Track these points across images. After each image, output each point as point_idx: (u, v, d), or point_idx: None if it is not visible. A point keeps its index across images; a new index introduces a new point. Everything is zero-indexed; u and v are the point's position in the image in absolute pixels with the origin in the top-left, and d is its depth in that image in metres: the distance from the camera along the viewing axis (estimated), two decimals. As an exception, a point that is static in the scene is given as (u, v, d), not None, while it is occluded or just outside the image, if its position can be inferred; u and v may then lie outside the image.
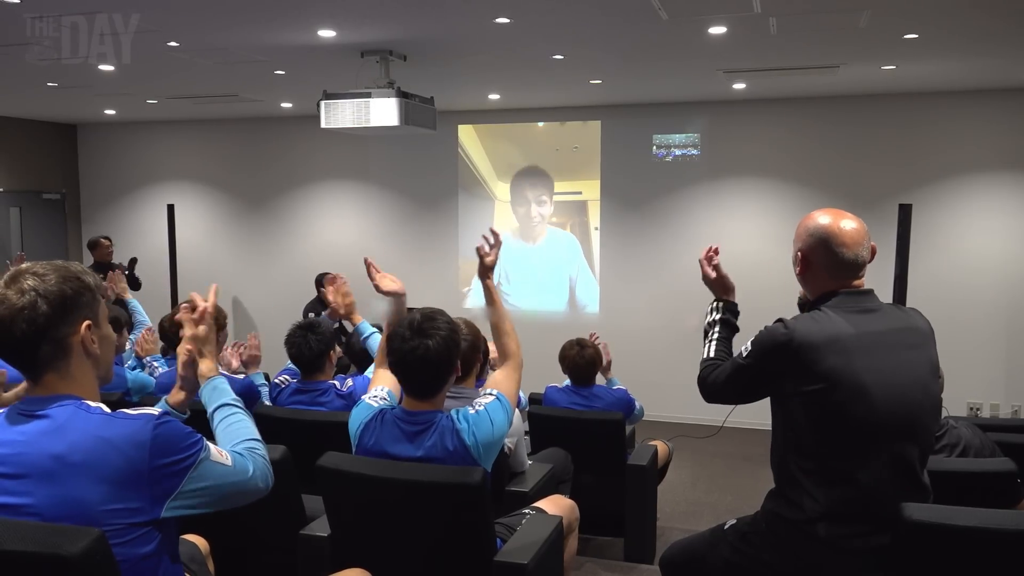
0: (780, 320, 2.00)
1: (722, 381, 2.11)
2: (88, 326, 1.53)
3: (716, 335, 2.24)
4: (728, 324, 2.26)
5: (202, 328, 1.83)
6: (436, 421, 2.23)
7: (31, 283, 1.48)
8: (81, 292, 1.53)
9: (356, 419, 2.35)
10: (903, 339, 2.00)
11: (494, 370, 2.56)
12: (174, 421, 1.53)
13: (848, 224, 2.01)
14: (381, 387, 2.44)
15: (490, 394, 2.30)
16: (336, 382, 3.42)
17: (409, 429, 2.24)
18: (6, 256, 8.52)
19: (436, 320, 2.25)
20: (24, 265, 1.53)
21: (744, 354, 2.05)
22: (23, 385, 1.55)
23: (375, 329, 3.62)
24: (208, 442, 1.57)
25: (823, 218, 2.03)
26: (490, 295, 2.53)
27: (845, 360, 1.90)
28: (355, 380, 3.40)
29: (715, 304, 2.31)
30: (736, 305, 2.31)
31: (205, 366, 1.81)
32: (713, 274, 2.32)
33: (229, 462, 1.57)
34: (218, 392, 1.77)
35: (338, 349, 3.59)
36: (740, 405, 2.24)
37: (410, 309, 2.41)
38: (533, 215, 8.03)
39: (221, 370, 1.89)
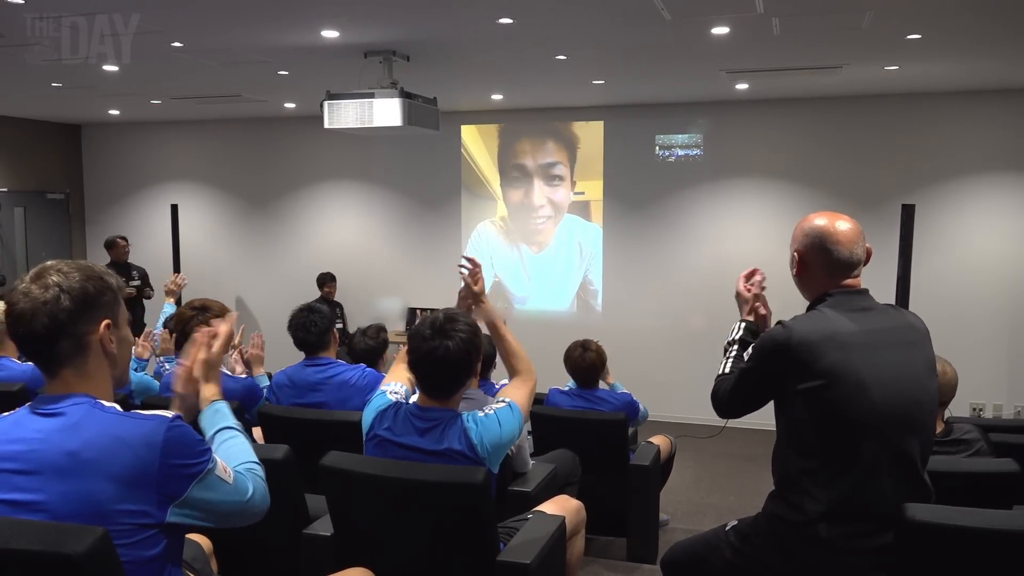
0: (780, 322, 2.03)
1: (730, 390, 2.14)
2: (107, 325, 1.55)
3: (734, 352, 2.27)
4: (747, 344, 2.28)
5: (214, 352, 1.83)
6: (447, 419, 2.26)
7: (55, 279, 1.50)
8: (103, 292, 1.55)
9: (373, 407, 2.39)
10: (901, 337, 2.02)
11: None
12: (187, 427, 1.54)
13: (843, 224, 2.06)
14: (397, 383, 2.47)
15: (502, 401, 2.35)
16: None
17: (420, 424, 2.27)
18: (10, 255, 8.55)
19: (457, 322, 2.27)
20: (50, 262, 1.55)
21: (746, 359, 2.08)
22: None
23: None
24: (216, 456, 1.59)
25: (819, 220, 2.08)
26: (492, 323, 2.58)
27: (844, 356, 1.92)
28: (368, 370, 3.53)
29: (739, 324, 2.34)
30: (758, 327, 2.32)
31: (209, 390, 1.81)
32: (747, 294, 2.35)
33: (232, 480, 1.59)
34: (220, 415, 1.78)
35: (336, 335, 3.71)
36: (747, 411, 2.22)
37: (429, 310, 2.46)
38: (537, 203, 7.82)
39: (223, 369, 1.90)
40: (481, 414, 2.27)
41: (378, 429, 2.32)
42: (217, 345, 1.84)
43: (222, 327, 1.88)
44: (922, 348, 2.05)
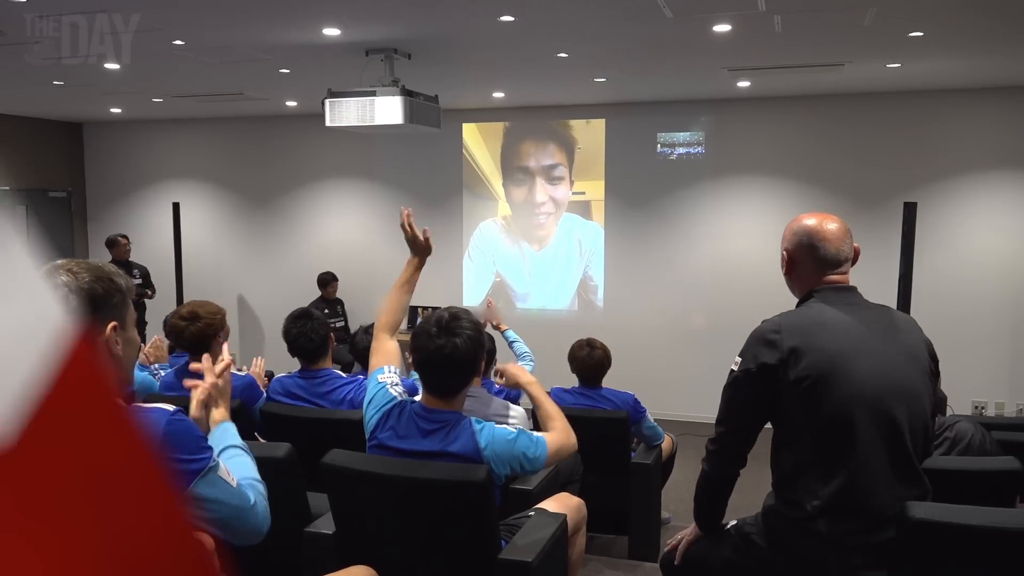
0: (766, 321, 2.03)
1: (723, 410, 2.09)
2: (114, 328, 1.54)
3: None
4: None
5: (221, 380, 1.87)
6: (453, 421, 2.24)
7: (64, 279, 1.50)
8: (111, 293, 1.54)
9: (376, 403, 2.35)
10: (891, 329, 2.03)
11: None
12: (188, 421, 1.54)
13: (830, 224, 2.10)
14: (390, 367, 2.43)
15: (534, 431, 2.32)
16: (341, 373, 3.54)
17: (426, 426, 2.25)
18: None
19: (462, 319, 2.25)
20: (60, 261, 1.54)
21: (736, 367, 2.04)
22: None
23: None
24: (218, 458, 1.59)
25: (807, 220, 2.12)
26: (534, 399, 2.50)
27: (836, 349, 1.93)
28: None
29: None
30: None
31: (218, 413, 1.86)
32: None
33: (235, 484, 1.60)
34: (228, 435, 1.82)
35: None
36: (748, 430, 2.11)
37: (431, 308, 2.45)
38: (539, 200, 7.84)
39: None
40: (497, 425, 2.25)
41: (381, 432, 2.29)
42: (221, 367, 1.88)
43: (224, 353, 1.93)
44: (914, 340, 2.05)
